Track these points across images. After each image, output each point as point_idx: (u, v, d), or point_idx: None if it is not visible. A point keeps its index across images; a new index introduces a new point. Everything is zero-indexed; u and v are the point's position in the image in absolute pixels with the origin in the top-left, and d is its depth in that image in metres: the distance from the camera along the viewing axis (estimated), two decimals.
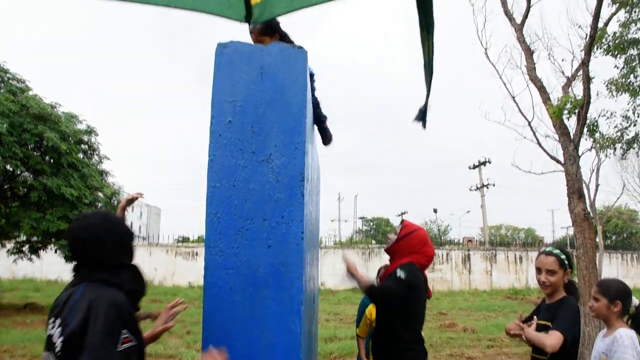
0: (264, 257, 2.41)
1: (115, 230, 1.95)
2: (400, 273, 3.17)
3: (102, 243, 1.87)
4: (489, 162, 36.66)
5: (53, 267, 23.79)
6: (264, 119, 2.53)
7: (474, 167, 37.48)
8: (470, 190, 37.61)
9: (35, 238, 15.36)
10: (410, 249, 3.31)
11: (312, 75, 3.16)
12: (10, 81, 14.50)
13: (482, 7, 11.84)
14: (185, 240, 30.64)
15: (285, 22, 3.17)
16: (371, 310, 4.37)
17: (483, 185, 36.60)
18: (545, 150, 9.79)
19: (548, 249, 3.10)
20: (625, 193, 23.55)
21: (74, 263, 1.93)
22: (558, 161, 9.52)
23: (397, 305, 3.19)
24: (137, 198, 3.03)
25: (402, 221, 3.52)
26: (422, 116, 1.81)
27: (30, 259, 16.85)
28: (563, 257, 3.00)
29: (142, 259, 27.47)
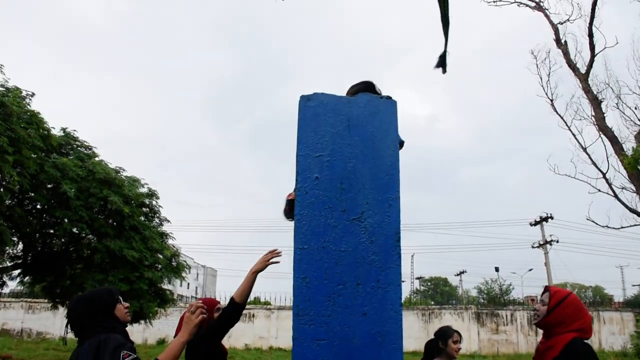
0: (358, 326, 2.18)
1: (89, 305, 2.48)
2: None
3: (85, 314, 2.45)
4: (551, 217, 35.18)
5: None
6: (354, 174, 2.36)
7: (535, 223, 36.02)
8: (533, 247, 35.99)
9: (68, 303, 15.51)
10: (567, 320, 2.85)
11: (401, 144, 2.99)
12: (79, 148, 15.17)
13: (545, 58, 11.55)
14: None
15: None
16: None
17: (546, 242, 34.98)
18: (623, 203, 9.19)
19: None
20: None
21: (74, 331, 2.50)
22: (638, 214, 8.90)
23: None
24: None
25: (547, 288, 3.04)
26: (442, 62, 1.94)
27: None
28: None
29: None
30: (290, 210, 3.16)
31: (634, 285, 60.43)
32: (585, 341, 2.75)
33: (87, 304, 2.50)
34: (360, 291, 2.21)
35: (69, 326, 2.54)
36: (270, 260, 3.11)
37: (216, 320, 3.06)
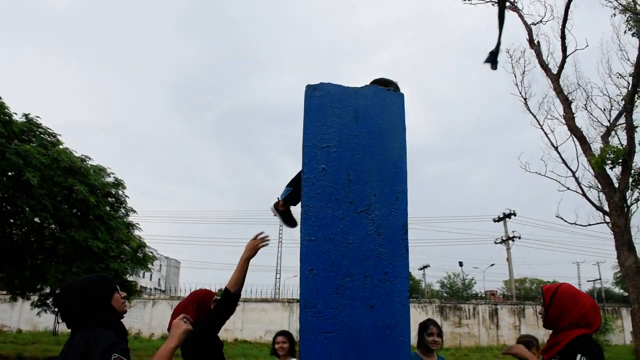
0: (366, 319, 2.16)
1: (84, 294, 2.26)
2: None
3: (79, 304, 2.24)
4: (514, 214, 36.05)
5: None
6: (361, 166, 2.34)
7: (499, 219, 36.85)
8: (496, 242, 36.84)
9: (59, 291, 15.09)
10: (565, 309, 2.84)
11: None
12: (42, 135, 14.64)
13: (520, 58, 11.76)
14: None
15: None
16: None
17: (509, 238, 35.85)
18: (590, 201, 9.46)
19: None
20: None
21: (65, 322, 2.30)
22: (605, 212, 9.17)
23: None
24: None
25: (541, 289, 3.06)
26: (493, 58, 2.03)
27: (54, 312, 16.58)
28: None
29: (163, 312, 27.02)
30: (292, 220, 3.05)
31: (589, 281, 62.70)
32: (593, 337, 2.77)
33: (81, 293, 2.26)
34: (368, 284, 2.20)
35: (59, 317, 2.40)
36: (260, 245, 3.04)
37: (211, 311, 2.99)
